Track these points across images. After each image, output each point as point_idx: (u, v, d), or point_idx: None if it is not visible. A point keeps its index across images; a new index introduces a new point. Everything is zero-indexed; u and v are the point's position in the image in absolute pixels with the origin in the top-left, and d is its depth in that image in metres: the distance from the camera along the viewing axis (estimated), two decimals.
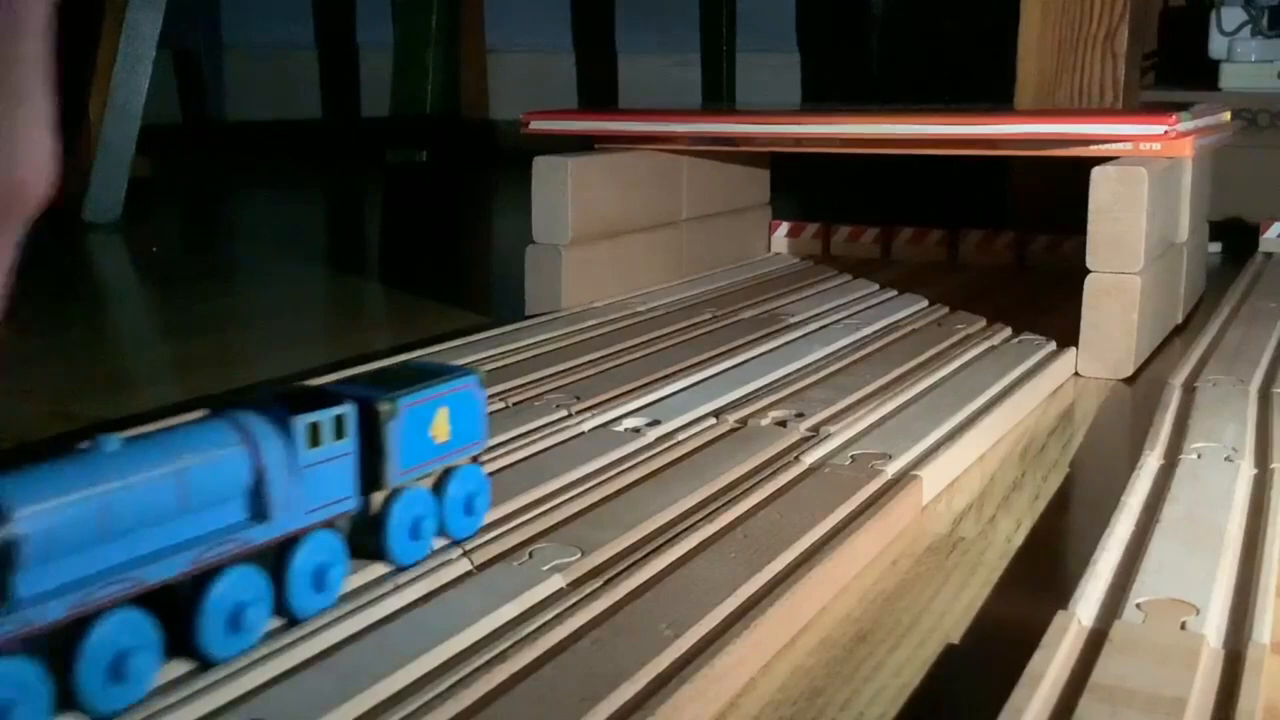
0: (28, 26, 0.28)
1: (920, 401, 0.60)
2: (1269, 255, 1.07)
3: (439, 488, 0.40)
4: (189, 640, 0.33)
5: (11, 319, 0.30)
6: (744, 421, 0.56)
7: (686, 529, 0.43)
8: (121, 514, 0.31)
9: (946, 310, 0.83)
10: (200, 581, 0.33)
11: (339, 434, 0.36)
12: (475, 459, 0.42)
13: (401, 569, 0.39)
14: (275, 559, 0.35)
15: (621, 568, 0.40)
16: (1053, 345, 0.72)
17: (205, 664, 0.33)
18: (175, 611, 0.32)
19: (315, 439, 0.35)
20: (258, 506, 0.34)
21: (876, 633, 0.39)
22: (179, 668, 0.33)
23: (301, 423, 0.35)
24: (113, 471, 0.31)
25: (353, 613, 0.36)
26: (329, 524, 0.36)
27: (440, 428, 0.40)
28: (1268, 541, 0.41)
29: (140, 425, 0.53)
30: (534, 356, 0.69)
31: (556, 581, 0.39)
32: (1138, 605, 0.36)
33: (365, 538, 0.38)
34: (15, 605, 0.29)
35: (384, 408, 0.37)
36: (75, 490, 0.30)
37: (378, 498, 0.38)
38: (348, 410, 0.36)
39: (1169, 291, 0.80)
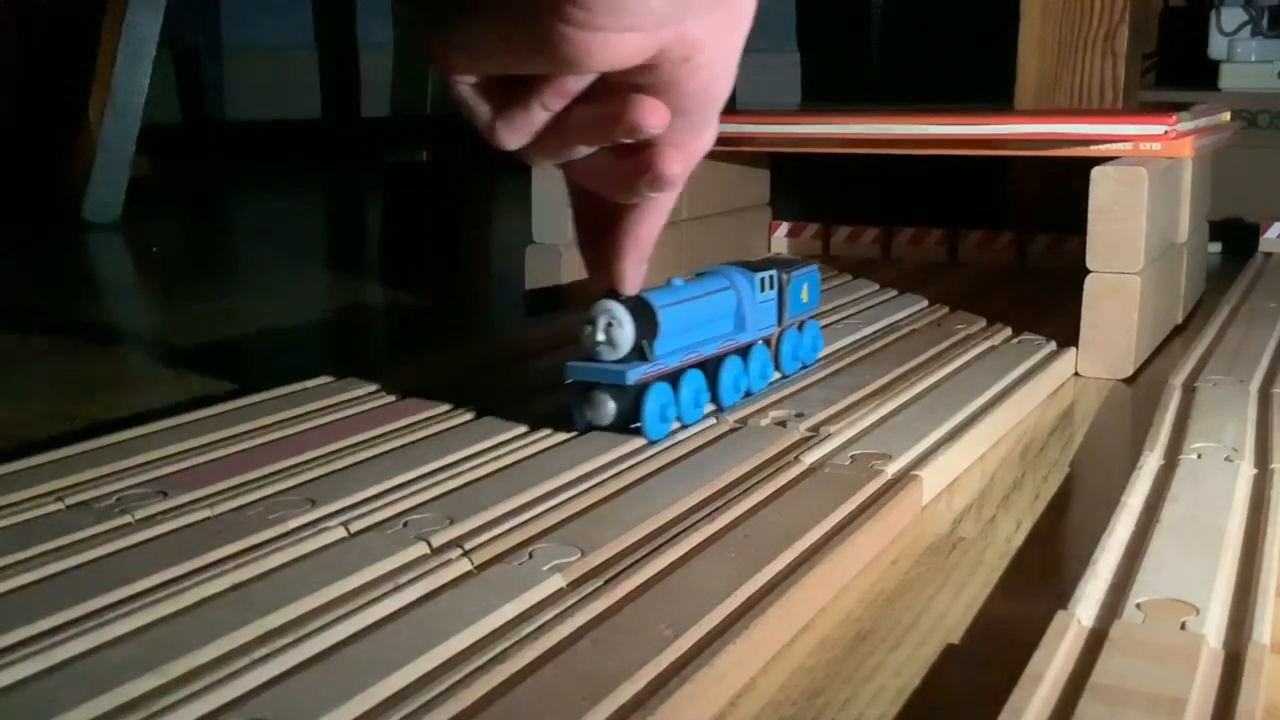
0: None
1: (920, 401, 0.60)
2: (1269, 255, 1.07)
3: (800, 330, 0.64)
4: (714, 394, 0.56)
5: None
6: (744, 421, 0.56)
7: (686, 529, 0.43)
8: (691, 316, 0.55)
9: (946, 310, 0.83)
10: (717, 362, 0.56)
11: (771, 286, 0.60)
12: (814, 317, 0.65)
13: (784, 376, 0.63)
14: (741, 356, 0.58)
15: (621, 568, 0.40)
16: (1053, 345, 0.72)
17: (720, 410, 0.57)
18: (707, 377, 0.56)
19: (762, 287, 0.59)
20: (739, 322, 0.58)
21: (876, 633, 0.39)
22: (179, 667, 0.33)
23: (757, 277, 0.59)
24: (684, 293, 0.55)
25: (353, 613, 0.36)
26: (759, 341, 0.60)
27: (805, 293, 0.63)
28: (1268, 541, 0.41)
29: (141, 425, 0.53)
30: (535, 355, 0.68)
31: (556, 581, 0.39)
32: (1138, 605, 0.36)
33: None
34: (658, 357, 0.52)
35: (785, 276, 0.61)
36: (674, 300, 0.53)
37: (775, 331, 0.61)
38: (775, 273, 0.60)
39: (1169, 291, 0.80)
